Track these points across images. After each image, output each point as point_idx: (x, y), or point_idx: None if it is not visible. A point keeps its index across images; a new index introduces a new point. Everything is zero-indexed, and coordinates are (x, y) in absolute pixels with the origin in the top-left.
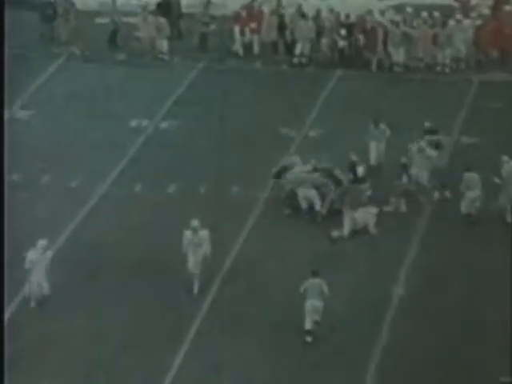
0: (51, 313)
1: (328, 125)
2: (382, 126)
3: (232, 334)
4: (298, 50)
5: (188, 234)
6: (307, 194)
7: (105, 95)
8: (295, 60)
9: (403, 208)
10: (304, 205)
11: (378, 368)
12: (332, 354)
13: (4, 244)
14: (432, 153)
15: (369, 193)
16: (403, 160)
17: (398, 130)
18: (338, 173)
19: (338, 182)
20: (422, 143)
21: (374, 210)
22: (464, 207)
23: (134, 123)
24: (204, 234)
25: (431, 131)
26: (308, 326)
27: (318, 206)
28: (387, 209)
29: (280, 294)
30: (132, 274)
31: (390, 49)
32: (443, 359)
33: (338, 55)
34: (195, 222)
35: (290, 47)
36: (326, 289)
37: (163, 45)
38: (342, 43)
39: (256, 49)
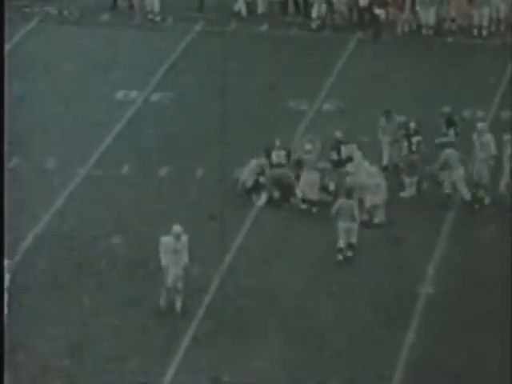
0: (20, 322)
1: (345, 96)
2: (396, 118)
3: (233, 341)
4: (314, 13)
5: (167, 240)
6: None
7: (86, 63)
8: (313, 25)
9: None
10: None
11: (404, 379)
12: (353, 359)
13: None
14: (487, 137)
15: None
16: (412, 125)
17: (426, 106)
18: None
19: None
20: (482, 125)
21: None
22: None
23: (120, 95)
24: (185, 240)
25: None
26: (341, 244)
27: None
28: (404, 194)
29: (288, 296)
30: (116, 274)
31: (418, 8)
32: (475, 366)
33: (357, 16)
34: (178, 228)
35: (301, 7)
36: (356, 212)
37: (154, 3)
38: (363, 1)
39: (261, 9)
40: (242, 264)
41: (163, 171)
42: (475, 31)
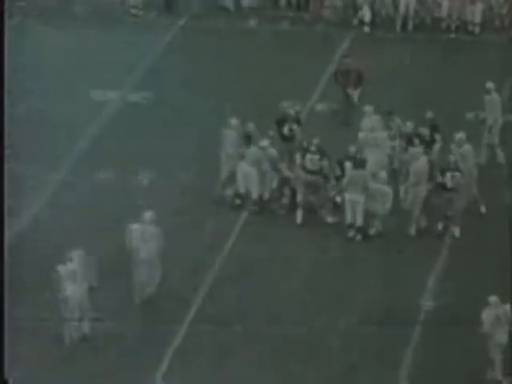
0: None
1: (340, 97)
2: (397, 120)
3: (222, 353)
4: (367, 17)
5: (138, 227)
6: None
7: (61, 60)
8: (366, 28)
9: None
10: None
11: None
12: (351, 371)
13: None
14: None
15: None
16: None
17: (425, 107)
18: None
19: None
20: (461, 135)
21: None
22: None
23: (97, 95)
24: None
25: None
26: (348, 219)
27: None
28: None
29: (281, 305)
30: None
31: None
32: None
33: (353, 11)
34: (150, 214)
35: (293, 0)
36: (370, 183)
37: None
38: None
39: (249, 2)
40: (231, 271)
41: (144, 176)
42: (471, 27)
